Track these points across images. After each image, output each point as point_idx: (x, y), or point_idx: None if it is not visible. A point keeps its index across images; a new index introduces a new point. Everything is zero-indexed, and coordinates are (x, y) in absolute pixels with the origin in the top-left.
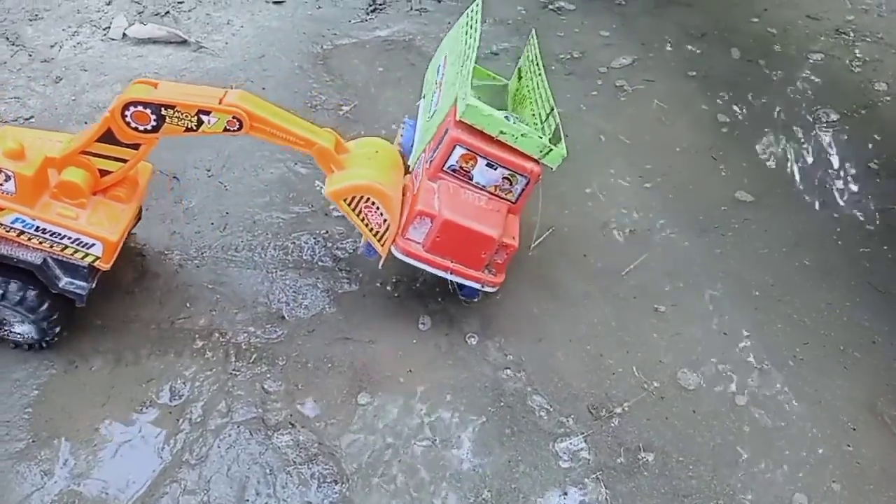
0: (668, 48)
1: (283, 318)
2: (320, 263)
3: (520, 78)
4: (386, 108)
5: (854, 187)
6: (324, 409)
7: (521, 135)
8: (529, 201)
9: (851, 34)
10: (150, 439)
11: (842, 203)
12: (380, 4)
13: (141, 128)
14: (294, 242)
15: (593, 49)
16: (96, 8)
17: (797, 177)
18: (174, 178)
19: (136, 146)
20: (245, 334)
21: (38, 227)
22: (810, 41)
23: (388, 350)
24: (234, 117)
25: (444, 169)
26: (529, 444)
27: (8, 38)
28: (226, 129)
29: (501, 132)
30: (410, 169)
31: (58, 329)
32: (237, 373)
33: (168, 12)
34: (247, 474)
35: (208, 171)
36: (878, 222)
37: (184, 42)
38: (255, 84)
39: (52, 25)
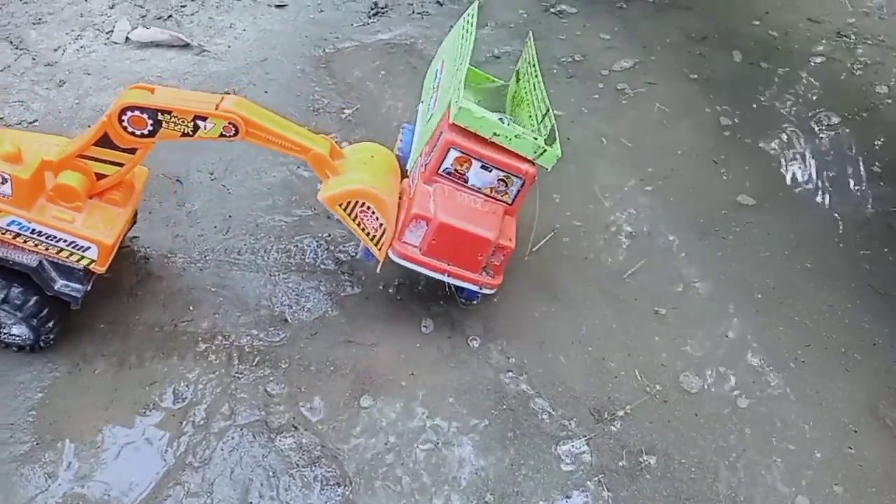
0: (670, 51)
1: (286, 321)
2: (323, 266)
3: (517, 80)
4: (388, 111)
5: (855, 190)
6: (327, 411)
7: (515, 136)
8: (529, 203)
9: (853, 37)
10: (153, 442)
11: (843, 206)
12: (382, 8)
13: (138, 132)
14: (297, 245)
15: (594, 52)
16: (99, 12)
17: (799, 179)
18: (177, 181)
19: (132, 150)
20: (248, 337)
21: (34, 230)
22: (811, 44)
23: (390, 353)
24: (230, 123)
25: (440, 172)
26: (532, 447)
27: (11, 42)
28: (222, 135)
29: (495, 134)
30: (409, 173)
31: (53, 331)
32: (240, 375)
33: (171, 16)
34: (250, 477)
35: (211, 174)
36: (879, 225)
37: (186, 46)
38: (258, 87)
39: (55, 29)
